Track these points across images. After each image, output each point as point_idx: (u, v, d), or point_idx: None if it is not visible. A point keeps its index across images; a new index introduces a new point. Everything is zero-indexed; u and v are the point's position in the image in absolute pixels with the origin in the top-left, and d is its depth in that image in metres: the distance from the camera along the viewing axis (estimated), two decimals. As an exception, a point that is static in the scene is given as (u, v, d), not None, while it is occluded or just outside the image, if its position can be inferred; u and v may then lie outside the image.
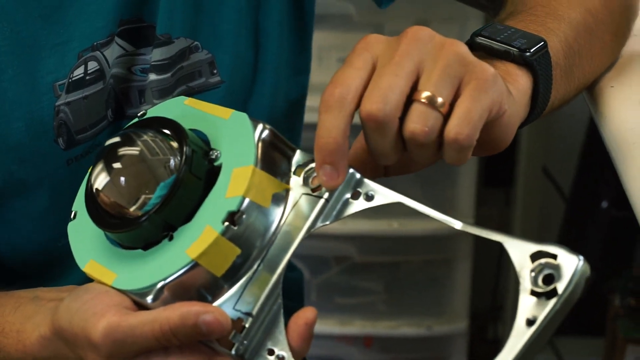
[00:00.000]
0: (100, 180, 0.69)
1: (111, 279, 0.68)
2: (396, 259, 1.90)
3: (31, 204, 0.88)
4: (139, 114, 0.75)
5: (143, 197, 0.67)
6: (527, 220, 1.88)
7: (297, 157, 0.70)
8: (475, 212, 1.79)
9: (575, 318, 2.05)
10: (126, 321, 0.65)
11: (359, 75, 0.66)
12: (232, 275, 0.66)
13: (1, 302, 0.80)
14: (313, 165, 0.68)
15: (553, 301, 0.61)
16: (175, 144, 0.68)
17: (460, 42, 0.67)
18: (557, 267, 0.62)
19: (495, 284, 2.09)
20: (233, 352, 0.66)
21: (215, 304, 0.66)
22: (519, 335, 0.61)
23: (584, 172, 1.93)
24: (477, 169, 1.82)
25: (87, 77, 0.85)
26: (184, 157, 0.67)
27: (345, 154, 0.66)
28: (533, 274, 0.62)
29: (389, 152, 0.67)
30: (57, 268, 0.90)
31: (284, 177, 0.69)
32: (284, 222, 0.68)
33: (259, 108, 0.93)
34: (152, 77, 0.88)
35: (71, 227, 0.74)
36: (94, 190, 0.69)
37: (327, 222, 0.68)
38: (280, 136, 0.70)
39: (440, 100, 0.65)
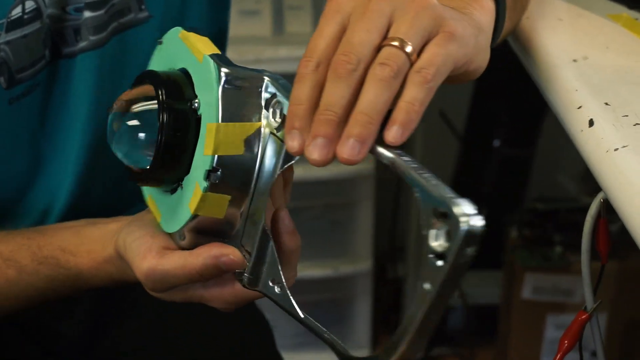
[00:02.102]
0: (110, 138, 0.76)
1: (159, 218, 0.77)
2: (299, 204, 1.94)
3: None
4: (157, 42, 0.79)
5: (141, 158, 0.74)
6: (427, 160, 1.94)
7: (264, 84, 0.72)
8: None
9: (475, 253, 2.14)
10: (161, 265, 0.75)
11: (328, 44, 0.68)
12: (234, 210, 0.73)
13: (53, 230, 0.87)
14: (278, 98, 0.71)
15: (443, 268, 0.60)
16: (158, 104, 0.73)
17: None
18: (452, 227, 0.60)
19: (393, 225, 2.16)
20: (244, 284, 0.74)
21: (231, 235, 0.74)
22: (421, 301, 0.62)
23: (476, 114, 2.00)
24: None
25: (25, 17, 0.86)
26: (162, 119, 0.72)
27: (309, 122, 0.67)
28: (436, 231, 0.61)
29: (342, 103, 0.66)
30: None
31: (254, 113, 0.71)
32: (260, 162, 0.72)
33: None
34: (87, 14, 0.89)
35: None
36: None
37: (292, 161, 0.71)
38: (248, 72, 0.72)
39: (409, 46, 0.67)
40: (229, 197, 0.72)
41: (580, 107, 0.79)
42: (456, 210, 0.60)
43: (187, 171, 0.73)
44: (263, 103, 0.71)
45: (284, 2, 1.85)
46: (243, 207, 0.72)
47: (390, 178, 2.11)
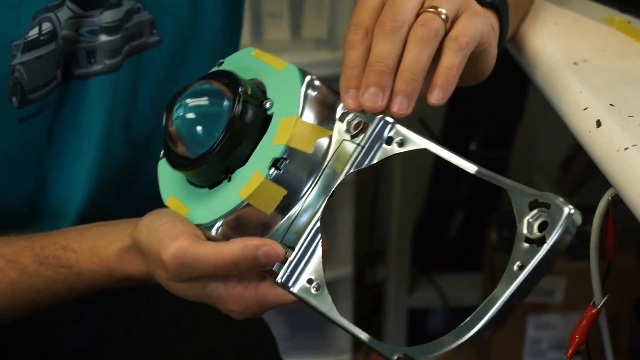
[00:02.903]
0: (170, 125, 0.76)
1: (185, 212, 0.76)
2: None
3: None
4: (217, 64, 0.81)
5: (203, 142, 0.74)
6: (406, 164, 1.96)
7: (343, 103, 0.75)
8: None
9: (454, 255, 2.16)
10: (194, 248, 0.73)
11: (372, 15, 0.76)
12: (280, 213, 0.74)
13: (59, 232, 0.86)
14: (354, 113, 0.75)
15: (542, 248, 0.65)
16: (231, 95, 0.75)
17: None
18: (550, 216, 0.66)
19: (371, 229, 2.17)
20: (278, 280, 0.73)
21: (266, 237, 0.74)
22: (510, 280, 0.66)
23: (453, 120, 2.03)
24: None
25: (41, 38, 0.87)
26: (235, 107, 0.74)
27: (360, 79, 0.74)
28: (530, 220, 0.67)
29: (391, 57, 0.73)
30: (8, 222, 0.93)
31: (329, 123, 0.75)
32: (326, 165, 0.74)
33: (197, 66, 0.98)
34: (103, 38, 0.91)
35: (160, 165, 0.81)
36: (166, 133, 0.77)
37: (363, 166, 0.74)
38: (326, 86, 0.76)
39: (444, 14, 0.75)
40: (284, 192, 0.73)
41: (586, 109, 0.82)
42: (559, 201, 0.66)
43: (242, 164, 0.74)
44: (337, 116, 0.76)
45: (262, 10, 1.86)
46: (294, 207, 0.74)
47: (368, 183, 2.13)
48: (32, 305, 0.88)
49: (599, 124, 0.79)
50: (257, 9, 1.86)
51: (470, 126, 2.01)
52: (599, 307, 0.82)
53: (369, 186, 2.11)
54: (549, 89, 0.89)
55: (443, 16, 0.75)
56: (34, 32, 0.87)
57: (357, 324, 2.14)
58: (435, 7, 0.75)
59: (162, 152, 0.80)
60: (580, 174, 1.92)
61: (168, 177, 0.80)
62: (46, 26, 0.87)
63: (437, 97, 0.73)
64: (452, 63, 0.74)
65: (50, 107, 0.91)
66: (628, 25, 0.97)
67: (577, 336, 0.81)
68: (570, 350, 0.81)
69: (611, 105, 0.81)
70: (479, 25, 0.76)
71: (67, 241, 0.84)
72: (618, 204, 0.80)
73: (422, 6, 0.75)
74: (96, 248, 0.82)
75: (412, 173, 1.98)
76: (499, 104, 1.98)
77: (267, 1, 1.82)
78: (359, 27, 0.75)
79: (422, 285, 2.10)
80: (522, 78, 1.86)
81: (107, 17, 0.90)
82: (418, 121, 1.98)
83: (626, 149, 0.75)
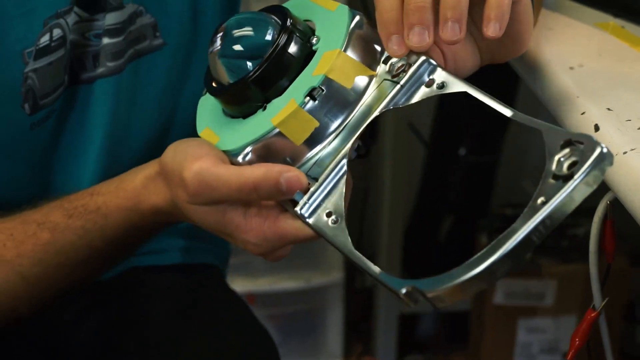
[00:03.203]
0: (213, 52, 0.75)
1: (215, 140, 0.75)
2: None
3: None
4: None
5: (244, 67, 0.74)
6: (396, 168, 1.96)
7: None
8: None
9: (444, 260, 2.17)
10: (216, 168, 0.72)
11: None
12: (310, 145, 0.73)
13: (92, 187, 0.85)
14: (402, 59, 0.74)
15: (568, 184, 0.63)
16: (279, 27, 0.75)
17: None
18: (581, 154, 0.64)
19: (360, 235, 2.18)
20: (297, 209, 0.72)
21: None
22: (531, 214, 0.63)
23: (442, 124, 2.03)
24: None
25: (52, 44, 0.87)
26: (280, 36, 0.73)
27: (399, 23, 0.73)
28: (561, 159, 0.65)
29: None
30: None
31: (373, 64, 0.75)
32: (363, 103, 0.74)
33: (200, 70, 0.97)
34: (106, 40, 0.91)
35: (201, 101, 0.80)
36: (210, 60, 0.76)
37: (399, 105, 0.74)
38: (371, 30, 0.76)
39: None
40: (317, 124, 0.73)
41: (584, 113, 0.82)
42: (593, 140, 0.64)
43: (279, 94, 0.73)
44: (382, 58, 0.75)
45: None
46: (324, 141, 0.73)
47: (358, 188, 2.13)
48: (70, 267, 0.85)
49: (597, 128, 0.80)
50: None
51: (460, 131, 2.02)
52: (599, 310, 0.82)
53: (359, 191, 2.12)
54: (546, 94, 0.89)
55: None
56: (45, 39, 0.87)
57: (348, 329, 2.14)
58: None
59: (205, 90, 0.80)
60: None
61: (206, 112, 0.79)
62: (57, 32, 0.87)
63: (493, 29, 0.71)
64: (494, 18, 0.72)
65: (57, 112, 0.91)
66: (622, 30, 0.98)
67: (577, 339, 0.82)
68: (571, 353, 0.82)
69: (608, 109, 0.82)
70: None
71: (94, 187, 0.84)
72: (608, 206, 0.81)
73: None
74: (122, 183, 0.81)
75: (401, 178, 1.99)
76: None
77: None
78: None
79: (412, 290, 2.10)
80: (511, 83, 1.88)
81: (110, 19, 0.91)
82: (408, 126, 1.99)
83: (625, 153, 0.76)
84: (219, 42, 0.75)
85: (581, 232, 1.82)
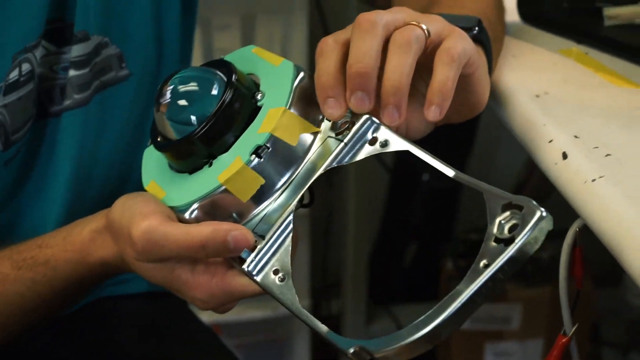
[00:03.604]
0: (160, 108, 0.76)
1: (162, 195, 0.76)
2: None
3: None
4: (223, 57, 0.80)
5: (189, 123, 0.74)
6: (359, 194, 1.96)
7: None
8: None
9: (410, 285, 2.17)
10: (164, 227, 0.72)
11: (346, 32, 0.74)
12: (256, 202, 0.74)
13: (40, 237, 0.84)
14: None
15: (509, 248, 0.65)
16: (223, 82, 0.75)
17: None
18: (521, 218, 0.66)
19: (326, 262, 2.17)
20: (244, 267, 0.72)
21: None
22: (474, 277, 0.66)
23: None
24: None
25: (21, 79, 0.87)
26: (226, 93, 0.74)
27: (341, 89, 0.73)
28: (502, 221, 0.67)
29: (371, 54, 0.72)
30: None
31: (317, 121, 0.75)
32: (308, 160, 0.75)
33: None
34: (72, 72, 0.91)
35: (146, 152, 0.80)
36: (155, 115, 0.76)
37: (344, 163, 0.74)
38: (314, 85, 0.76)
39: (424, 26, 0.73)
40: (263, 181, 0.73)
41: (551, 141, 0.83)
42: (532, 203, 0.66)
43: (225, 150, 0.74)
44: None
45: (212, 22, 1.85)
46: (270, 197, 0.74)
47: (322, 216, 2.14)
48: (21, 316, 0.85)
49: (565, 156, 0.80)
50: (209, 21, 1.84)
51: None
52: (569, 335, 0.83)
53: (323, 219, 2.12)
54: (513, 122, 0.90)
55: (423, 28, 0.73)
56: (14, 74, 0.87)
57: (315, 357, 2.12)
58: (416, 22, 0.73)
59: (150, 141, 0.80)
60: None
61: (151, 164, 0.80)
62: (25, 67, 0.87)
63: (434, 114, 0.72)
64: (445, 76, 0.72)
65: (26, 146, 0.90)
66: (585, 56, 0.99)
67: (549, 366, 0.82)
68: (544, 380, 0.82)
69: (576, 137, 0.82)
70: (466, 44, 0.74)
71: (42, 239, 0.83)
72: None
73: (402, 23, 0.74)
74: (70, 236, 0.81)
75: (365, 204, 1.99)
76: (450, 135, 1.99)
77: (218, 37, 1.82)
78: (328, 38, 0.74)
79: (379, 316, 2.10)
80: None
81: (76, 51, 0.91)
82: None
83: (594, 180, 0.76)
84: (165, 97, 0.75)
85: (546, 255, 1.83)
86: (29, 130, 0.89)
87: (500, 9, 0.96)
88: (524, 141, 0.87)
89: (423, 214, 2.06)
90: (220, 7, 1.79)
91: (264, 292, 0.73)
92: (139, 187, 0.93)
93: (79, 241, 0.80)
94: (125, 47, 0.95)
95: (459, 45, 0.73)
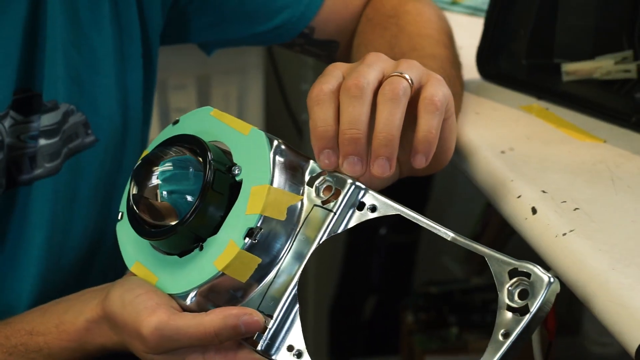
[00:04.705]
0: (135, 194, 0.75)
1: (153, 280, 0.76)
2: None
3: None
4: (173, 122, 0.80)
5: (174, 210, 0.74)
6: (317, 251, 1.96)
7: (310, 167, 0.77)
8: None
9: (370, 340, 2.17)
10: (174, 321, 0.72)
11: (336, 81, 0.76)
12: (255, 280, 0.74)
13: (23, 315, 0.84)
14: (327, 177, 0.76)
15: (526, 318, 0.68)
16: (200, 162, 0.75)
17: None
18: (530, 285, 0.69)
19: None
20: (258, 348, 0.73)
21: (241, 304, 0.74)
22: (497, 347, 0.69)
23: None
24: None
25: None
26: (207, 176, 0.74)
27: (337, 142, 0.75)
28: (510, 288, 0.70)
29: (362, 119, 0.74)
30: None
31: (297, 187, 0.76)
32: (299, 231, 0.75)
33: (132, 161, 0.98)
34: (42, 142, 0.91)
35: (119, 227, 0.80)
36: (131, 202, 0.75)
37: (337, 232, 0.75)
38: (294, 150, 0.77)
39: (407, 76, 0.76)
40: (259, 261, 0.73)
41: (520, 197, 0.84)
42: (539, 270, 0.69)
43: (213, 232, 0.74)
44: (306, 179, 0.76)
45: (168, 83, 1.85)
46: (269, 274, 0.74)
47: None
48: None
49: (534, 211, 0.82)
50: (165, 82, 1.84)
51: (379, 211, 2.03)
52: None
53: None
54: (479, 177, 0.91)
55: (407, 78, 0.75)
56: None
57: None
58: (399, 72, 0.76)
59: (120, 214, 0.79)
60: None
61: (129, 242, 0.79)
62: None
63: (419, 161, 0.76)
64: (430, 125, 0.75)
65: None
66: (546, 112, 1.01)
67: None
68: None
69: (543, 192, 0.84)
70: (445, 90, 0.77)
71: (31, 325, 0.83)
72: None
73: (383, 75, 0.76)
74: (63, 325, 0.81)
75: (324, 259, 1.99)
76: (406, 188, 2.01)
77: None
78: (324, 84, 0.75)
79: (340, 372, 2.10)
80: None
81: (46, 120, 0.91)
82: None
83: (564, 234, 0.78)
84: (150, 181, 0.75)
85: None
86: None
87: (457, 65, 0.99)
88: (491, 196, 0.89)
89: (381, 267, 2.07)
90: (176, 68, 1.80)
91: None
92: (110, 255, 0.93)
93: (73, 330, 0.80)
94: (90, 114, 0.95)
95: (439, 92, 0.76)
